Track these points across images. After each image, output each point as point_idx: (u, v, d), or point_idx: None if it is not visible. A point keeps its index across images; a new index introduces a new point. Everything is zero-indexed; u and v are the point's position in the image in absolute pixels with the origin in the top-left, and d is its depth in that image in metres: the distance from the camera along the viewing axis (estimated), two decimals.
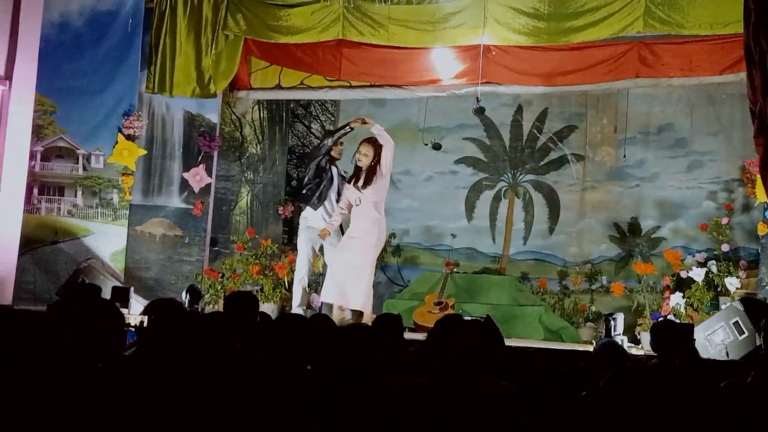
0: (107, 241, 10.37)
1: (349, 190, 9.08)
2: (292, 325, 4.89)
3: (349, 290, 8.95)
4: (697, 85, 10.29)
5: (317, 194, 9.30)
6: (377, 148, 9.08)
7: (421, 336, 8.40)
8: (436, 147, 10.38)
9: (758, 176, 8.19)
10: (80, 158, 10.44)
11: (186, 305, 9.02)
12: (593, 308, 10.46)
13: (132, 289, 9.50)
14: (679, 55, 9.90)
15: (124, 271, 10.30)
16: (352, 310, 8.98)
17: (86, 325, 3.69)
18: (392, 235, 11.20)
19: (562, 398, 3.42)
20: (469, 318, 4.56)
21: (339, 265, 9.04)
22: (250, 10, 10.17)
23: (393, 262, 10.96)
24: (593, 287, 10.89)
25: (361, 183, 9.02)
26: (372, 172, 9.01)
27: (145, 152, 10.43)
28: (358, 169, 9.13)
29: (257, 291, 10.17)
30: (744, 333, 7.42)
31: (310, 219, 9.34)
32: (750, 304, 7.68)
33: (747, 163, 9.62)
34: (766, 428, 3.12)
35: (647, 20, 8.91)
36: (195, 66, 10.26)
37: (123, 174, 10.36)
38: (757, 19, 7.28)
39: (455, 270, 10.81)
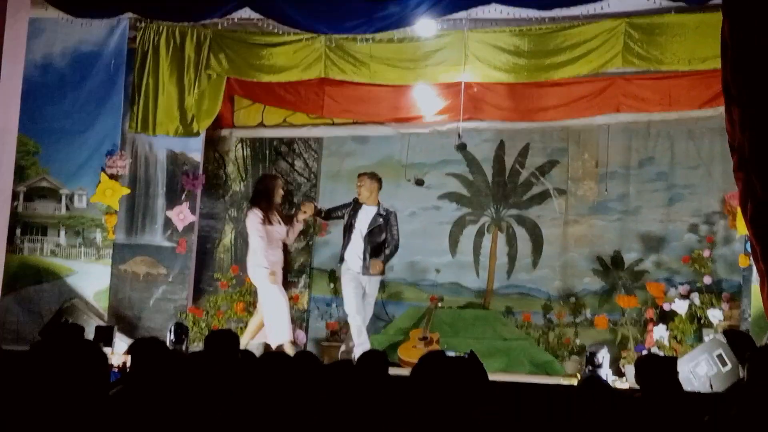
0: (90, 280, 10.32)
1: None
2: (275, 363, 4.87)
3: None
4: (676, 119, 10.41)
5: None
6: None
7: (405, 371, 8.40)
8: (419, 183, 10.45)
9: (738, 209, 8.26)
10: (63, 198, 10.43)
11: (171, 344, 9.00)
12: (577, 341, 10.48)
13: (116, 328, 9.44)
14: (659, 90, 10.02)
15: (108, 310, 10.23)
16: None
17: (69, 365, 3.68)
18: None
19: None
20: (453, 354, 4.57)
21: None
22: (233, 50, 10.23)
23: (378, 297, 10.93)
24: (577, 320, 10.89)
25: None
26: None
27: (129, 191, 10.42)
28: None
29: (240, 328, 10.15)
30: (727, 365, 7.45)
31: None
32: (733, 336, 7.72)
33: (727, 197, 9.70)
34: None
35: (626, 56, 9.02)
36: (178, 105, 10.30)
37: (106, 213, 10.34)
38: (734, 55, 7.38)
39: (439, 305, 10.81)
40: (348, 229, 9.44)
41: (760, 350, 6.52)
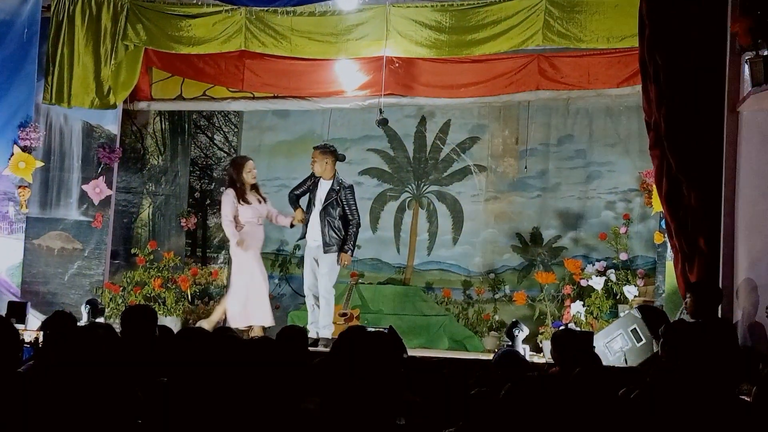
0: (3, 255, 10.08)
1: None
2: (194, 339, 4.81)
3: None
4: (595, 97, 10.54)
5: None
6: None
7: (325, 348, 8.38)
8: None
9: (654, 186, 8.39)
10: None
11: (86, 320, 8.85)
12: (497, 317, 10.57)
13: (29, 304, 9.25)
14: (578, 67, 10.13)
15: (21, 286, 10.03)
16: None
17: None
18: (296, 247, 11.16)
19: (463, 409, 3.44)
20: (373, 329, 4.56)
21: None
22: (151, 20, 10.02)
23: (298, 273, 10.88)
24: (496, 296, 11.00)
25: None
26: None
27: (43, 164, 10.19)
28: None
29: (159, 304, 10.03)
30: (642, 340, 7.57)
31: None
32: (647, 311, 7.84)
33: (643, 174, 9.85)
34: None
35: (546, 34, 9.07)
36: (94, 76, 10.07)
37: (19, 186, 10.08)
38: (652, 34, 7.48)
39: (360, 281, 10.81)
40: (308, 205, 9.34)
41: (673, 325, 6.65)
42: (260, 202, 9.41)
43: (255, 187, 9.45)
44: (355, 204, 9.37)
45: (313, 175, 9.37)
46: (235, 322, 9.10)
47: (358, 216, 9.43)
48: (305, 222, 9.28)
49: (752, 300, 6.82)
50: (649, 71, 7.55)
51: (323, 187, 9.29)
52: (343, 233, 9.24)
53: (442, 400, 4.12)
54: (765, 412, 3.41)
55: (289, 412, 3.01)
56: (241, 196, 9.26)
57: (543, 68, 10.20)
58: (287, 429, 2.96)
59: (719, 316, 7.02)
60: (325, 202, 9.23)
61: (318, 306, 9.21)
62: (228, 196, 9.31)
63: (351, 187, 9.42)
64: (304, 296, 9.48)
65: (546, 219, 11.14)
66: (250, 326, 9.20)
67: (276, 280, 11.29)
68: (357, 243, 9.48)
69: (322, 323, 9.13)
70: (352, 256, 9.40)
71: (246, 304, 9.18)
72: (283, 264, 11.58)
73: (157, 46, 10.23)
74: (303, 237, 9.40)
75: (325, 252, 9.19)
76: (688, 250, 7.45)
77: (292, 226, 9.52)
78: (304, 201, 9.43)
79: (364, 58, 10.17)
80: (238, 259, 9.34)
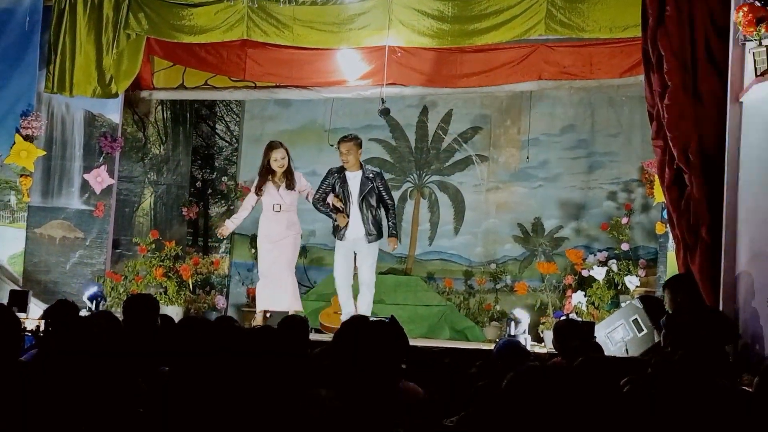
0: (4, 243, 10.10)
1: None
2: (196, 328, 4.81)
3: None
4: (597, 87, 10.52)
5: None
6: (287, 150, 9.29)
7: (327, 337, 8.40)
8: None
9: (656, 177, 8.38)
10: None
11: (91, 309, 8.86)
12: (498, 307, 10.58)
13: (31, 292, 9.27)
14: (580, 57, 10.10)
15: (23, 275, 10.05)
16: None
17: None
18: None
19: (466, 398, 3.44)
20: (375, 319, 4.56)
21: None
22: (153, 9, 10.01)
23: (299, 263, 10.89)
24: (498, 287, 11.00)
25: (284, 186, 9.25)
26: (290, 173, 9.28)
27: (44, 153, 10.20)
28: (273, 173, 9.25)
29: (160, 293, 10.04)
30: (643, 330, 7.57)
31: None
32: (649, 301, 7.83)
33: (646, 164, 9.84)
34: (665, 422, 3.18)
35: (549, 23, 9.04)
36: (96, 65, 10.06)
37: (21, 175, 10.10)
38: (655, 24, 7.45)
39: None
40: (344, 200, 9.20)
41: (674, 316, 6.64)
42: (278, 189, 9.27)
43: (285, 174, 9.30)
44: (388, 187, 9.39)
45: (333, 171, 9.29)
46: (261, 306, 9.27)
47: (394, 202, 9.46)
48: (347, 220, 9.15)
49: (754, 290, 6.81)
50: (652, 61, 7.53)
51: (353, 179, 9.21)
52: (384, 220, 9.25)
53: (445, 390, 4.12)
54: (766, 403, 3.41)
55: (292, 399, 3.01)
56: (258, 186, 9.25)
57: (545, 58, 10.17)
58: (289, 416, 2.95)
59: (719, 307, 7.01)
60: (361, 194, 9.16)
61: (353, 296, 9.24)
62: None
63: (381, 173, 9.43)
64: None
65: (548, 209, 11.14)
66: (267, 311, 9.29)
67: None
68: None
69: (364, 310, 9.11)
70: (397, 235, 9.40)
71: (265, 290, 9.25)
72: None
73: (158, 35, 10.21)
74: (342, 237, 9.20)
75: (369, 242, 9.15)
76: (690, 241, 7.43)
77: (335, 221, 9.27)
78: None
79: (366, 48, 10.15)
80: (259, 247, 9.42)
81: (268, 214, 9.31)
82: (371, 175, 9.25)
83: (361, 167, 9.29)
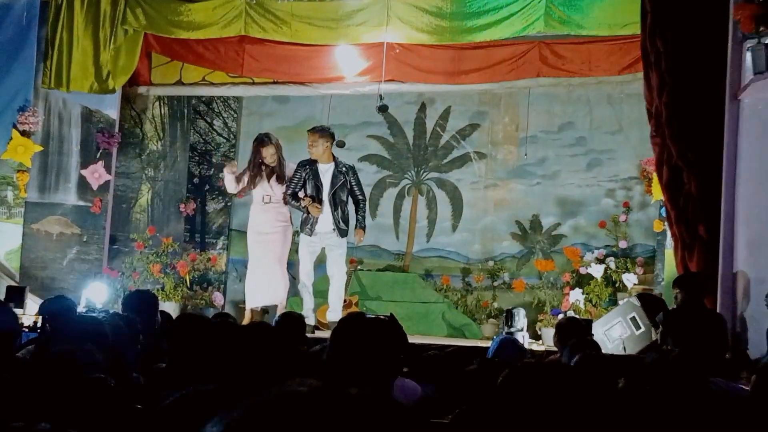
0: (1, 239, 10.09)
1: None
2: (192, 325, 4.80)
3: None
4: (596, 84, 10.50)
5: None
6: (278, 147, 9.12)
7: (324, 334, 8.39)
8: (340, 145, 10.23)
9: (654, 174, 8.38)
10: None
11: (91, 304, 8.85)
12: (495, 305, 10.58)
13: (28, 288, 9.25)
14: (579, 54, 10.09)
15: (20, 270, 10.04)
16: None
17: None
18: (296, 233, 11.13)
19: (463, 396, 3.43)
20: (372, 316, 4.54)
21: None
22: (150, 5, 10.00)
23: (292, 259, 10.88)
24: (495, 284, 10.99)
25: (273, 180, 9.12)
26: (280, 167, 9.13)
27: (42, 148, 10.17)
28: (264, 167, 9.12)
29: (157, 290, 10.02)
30: (640, 328, 7.57)
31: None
32: (646, 299, 7.84)
33: (644, 162, 9.83)
34: (664, 421, 3.17)
35: (547, 20, 9.05)
36: (93, 61, 10.06)
37: (18, 171, 10.08)
38: (654, 21, 7.45)
39: (359, 267, 10.81)
40: (315, 194, 9.00)
41: (672, 313, 6.64)
42: (279, 181, 9.15)
43: (276, 168, 9.16)
44: (360, 182, 9.26)
45: (304, 164, 9.05)
46: (249, 302, 9.29)
47: (365, 197, 9.31)
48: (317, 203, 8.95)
49: (751, 287, 6.82)
50: (651, 58, 7.54)
51: (325, 172, 9.01)
52: (353, 214, 9.15)
53: (442, 388, 4.11)
54: (763, 401, 3.40)
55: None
56: (239, 177, 9.19)
57: (544, 55, 10.16)
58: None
59: (718, 304, 7.01)
60: (333, 187, 8.99)
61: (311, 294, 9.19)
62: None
63: (354, 167, 9.30)
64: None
65: (546, 206, 11.13)
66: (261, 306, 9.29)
67: None
68: None
69: (335, 307, 9.09)
70: (364, 229, 9.24)
71: (252, 285, 9.26)
72: None
73: (156, 31, 10.20)
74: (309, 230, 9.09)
75: (340, 236, 9.04)
76: (688, 238, 7.44)
77: (307, 212, 9.07)
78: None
79: (365, 44, 10.14)
80: (248, 239, 9.42)
81: (258, 206, 9.27)
82: (344, 169, 9.06)
83: (334, 160, 9.09)
